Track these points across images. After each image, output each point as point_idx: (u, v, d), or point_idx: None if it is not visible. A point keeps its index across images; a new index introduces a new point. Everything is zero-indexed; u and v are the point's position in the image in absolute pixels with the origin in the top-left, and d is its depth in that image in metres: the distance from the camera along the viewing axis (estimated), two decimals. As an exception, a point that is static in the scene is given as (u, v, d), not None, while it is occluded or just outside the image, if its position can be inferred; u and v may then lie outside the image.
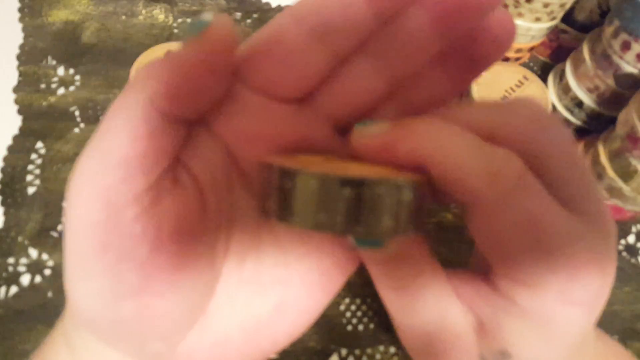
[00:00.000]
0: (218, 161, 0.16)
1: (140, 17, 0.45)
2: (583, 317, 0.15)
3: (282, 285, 0.18)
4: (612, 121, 0.35)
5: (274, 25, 0.15)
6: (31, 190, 0.36)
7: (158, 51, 0.33)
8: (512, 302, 0.15)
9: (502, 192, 0.14)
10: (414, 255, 0.16)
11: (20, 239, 0.34)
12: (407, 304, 0.17)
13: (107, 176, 0.14)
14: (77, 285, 0.15)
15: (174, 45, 0.34)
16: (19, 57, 0.42)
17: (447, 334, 0.16)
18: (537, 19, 0.40)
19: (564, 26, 0.44)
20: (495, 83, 0.38)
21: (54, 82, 0.41)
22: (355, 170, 0.14)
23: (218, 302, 0.17)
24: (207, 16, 0.13)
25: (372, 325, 0.34)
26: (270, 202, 0.14)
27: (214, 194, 0.16)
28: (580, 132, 0.40)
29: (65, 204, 0.15)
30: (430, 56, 0.16)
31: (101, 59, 0.42)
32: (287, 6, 0.44)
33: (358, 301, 0.34)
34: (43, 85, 0.40)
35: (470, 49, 0.16)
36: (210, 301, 0.17)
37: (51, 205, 0.35)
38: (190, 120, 0.15)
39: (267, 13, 0.48)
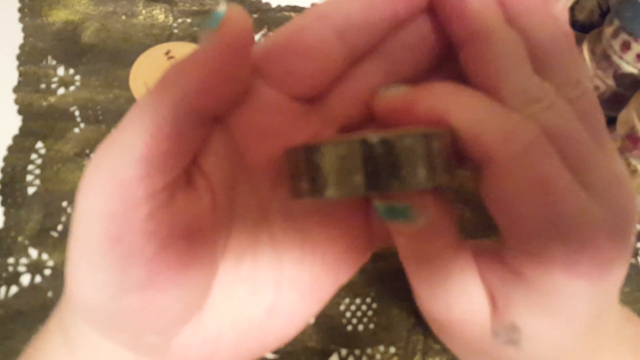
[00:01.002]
0: (228, 159, 0.17)
1: (140, 17, 0.45)
2: (590, 290, 0.15)
3: (275, 288, 0.18)
4: (612, 121, 0.35)
5: (295, 21, 0.15)
6: (31, 190, 0.36)
7: (158, 51, 0.33)
8: (520, 274, 0.15)
9: (516, 152, 0.14)
10: (442, 228, 0.16)
11: (20, 239, 0.34)
12: (430, 276, 0.17)
13: (126, 171, 0.14)
14: (81, 275, 0.15)
15: (174, 45, 0.34)
16: (19, 57, 0.42)
17: (466, 306, 0.16)
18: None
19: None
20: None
21: (54, 82, 0.41)
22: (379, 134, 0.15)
23: (213, 299, 0.17)
24: (222, 7, 0.14)
25: (372, 325, 0.34)
26: (301, 183, 0.15)
27: (224, 193, 0.17)
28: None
29: (76, 193, 0.15)
30: (438, 60, 0.16)
31: (101, 59, 0.42)
32: (287, 6, 0.44)
33: (358, 301, 0.34)
34: (43, 86, 0.40)
35: None
36: (206, 298, 0.17)
37: (51, 205, 0.35)
38: (217, 117, 0.16)
39: (267, 13, 0.48)
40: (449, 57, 0.16)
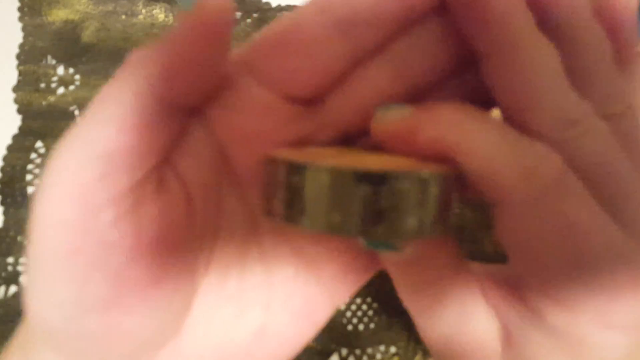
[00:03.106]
0: (210, 162, 0.15)
1: (140, 17, 0.45)
2: (624, 342, 0.13)
3: (264, 308, 0.16)
4: None
5: (294, 14, 0.14)
6: (31, 189, 0.36)
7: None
8: (541, 316, 0.14)
9: (538, 192, 0.12)
10: (436, 258, 0.15)
11: (19, 238, 0.34)
12: (426, 306, 0.15)
13: (85, 171, 0.12)
14: (38, 293, 0.13)
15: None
16: (18, 57, 0.42)
17: (469, 338, 0.15)
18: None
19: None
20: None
21: (53, 82, 0.40)
22: (373, 162, 0.13)
23: (194, 321, 0.15)
24: None
25: (372, 325, 0.34)
26: (275, 201, 0.13)
27: (203, 200, 0.15)
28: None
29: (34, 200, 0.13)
30: (452, 66, 0.15)
31: (101, 58, 0.42)
32: (287, 6, 0.43)
33: (358, 301, 0.34)
34: (43, 85, 0.40)
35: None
36: (185, 320, 0.15)
37: (51, 205, 0.35)
38: (187, 109, 0.14)
39: (267, 13, 0.48)
40: (468, 64, 0.14)
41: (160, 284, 0.14)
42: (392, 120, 0.14)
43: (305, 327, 0.17)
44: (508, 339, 0.14)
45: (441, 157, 0.13)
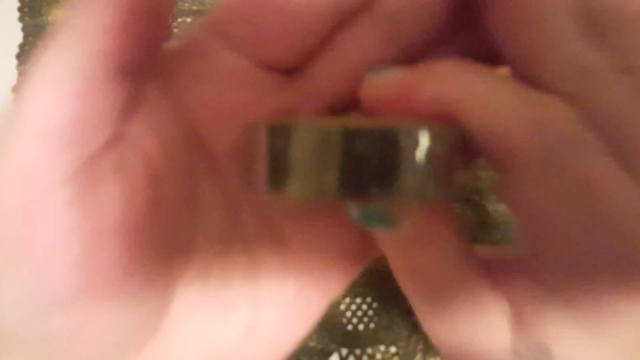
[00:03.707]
0: (179, 143, 0.13)
1: (140, 17, 0.45)
2: None
3: (252, 305, 0.15)
4: None
5: None
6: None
7: (158, 50, 0.33)
8: (556, 291, 0.13)
9: (549, 146, 0.11)
10: (436, 235, 0.13)
11: (19, 238, 0.34)
12: (428, 293, 0.14)
13: (26, 148, 0.11)
14: None
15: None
16: (18, 57, 0.42)
17: (477, 325, 0.14)
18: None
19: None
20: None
21: (53, 82, 0.40)
22: (365, 124, 0.12)
23: (173, 323, 0.14)
24: None
25: (372, 325, 0.34)
26: (258, 170, 0.12)
27: (173, 186, 0.13)
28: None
29: None
30: (446, 25, 0.13)
31: (101, 58, 0.42)
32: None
33: (358, 300, 0.34)
34: (43, 85, 0.40)
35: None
36: (163, 322, 0.14)
37: (51, 205, 0.35)
38: (137, 72, 0.12)
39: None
40: (467, 23, 0.14)
41: (131, 276, 0.12)
42: (385, 82, 0.12)
43: (298, 323, 0.15)
44: (520, 322, 0.13)
45: (442, 119, 0.12)
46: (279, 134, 0.11)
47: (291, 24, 0.12)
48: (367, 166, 0.11)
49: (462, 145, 0.12)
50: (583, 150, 0.11)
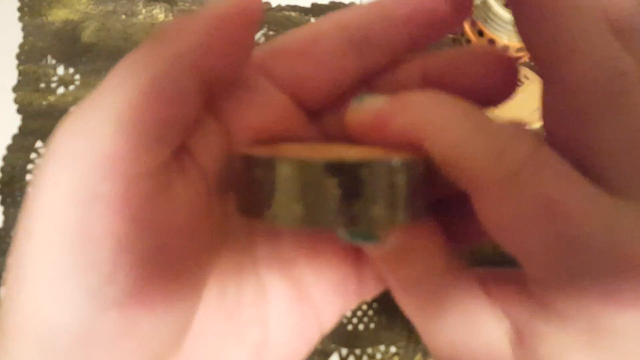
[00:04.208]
0: (220, 159, 0.14)
1: (140, 17, 0.45)
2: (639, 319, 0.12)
3: (261, 325, 0.15)
4: None
5: (313, 26, 0.15)
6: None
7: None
8: (550, 308, 0.13)
9: (510, 172, 0.11)
10: (422, 248, 0.14)
11: (20, 238, 0.34)
12: (422, 307, 0.14)
13: (115, 137, 0.11)
14: (40, 289, 0.11)
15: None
16: (18, 57, 0.42)
17: (476, 342, 0.14)
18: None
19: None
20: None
21: (53, 82, 0.40)
22: (341, 153, 0.12)
23: (193, 336, 0.14)
24: None
25: (372, 325, 0.34)
26: (244, 197, 0.12)
27: (216, 198, 0.14)
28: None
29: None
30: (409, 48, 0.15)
31: (101, 58, 0.42)
32: (287, 6, 0.43)
33: (358, 301, 0.34)
34: (43, 85, 0.40)
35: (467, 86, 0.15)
36: (187, 332, 0.14)
37: (51, 205, 0.35)
38: (210, 92, 0.13)
39: (267, 12, 0.48)
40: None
41: (180, 278, 0.12)
42: (365, 110, 0.13)
43: (304, 342, 0.16)
44: (519, 338, 0.13)
45: (414, 147, 0.13)
46: (259, 166, 0.12)
47: (324, 73, 0.14)
48: (339, 198, 0.11)
49: (430, 172, 0.13)
50: (543, 171, 0.12)
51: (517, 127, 0.12)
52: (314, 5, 0.46)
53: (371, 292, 0.17)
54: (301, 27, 0.15)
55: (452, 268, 0.14)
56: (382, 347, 0.33)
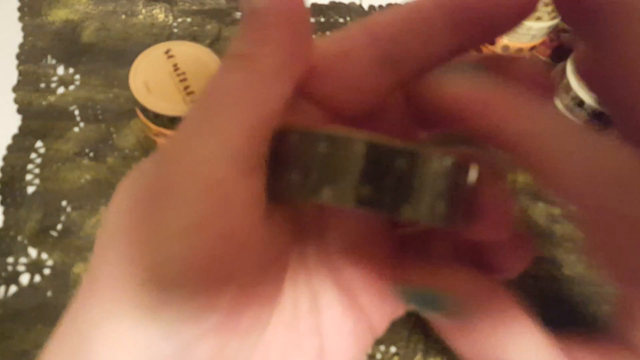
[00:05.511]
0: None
1: (140, 17, 0.45)
2: None
3: (318, 334, 0.15)
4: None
5: (346, 38, 0.13)
6: (31, 189, 0.36)
7: (158, 50, 0.33)
8: None
9: (614, 196, 0.10)
10: (494, 318, 0.13)
11: (19, 238, 0.34)
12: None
13: (219, 167, 0.11)
14: (142, 313, 0.11)
15: (173, 45, 0.34)
16: (18, 57, 0.42)
17: None
18: (538, 18, 0.40)
19: (564, 25, 0.44)
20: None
21: (53, 82, 0.40)
22: (401, 143, 0.12)
23: (259, 351, 0.14)
24: None
25: (372, 325, 0.34)
26: (291, 175, 0.12)
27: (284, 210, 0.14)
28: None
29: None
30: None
31: (101, 58, 0.42)
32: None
33: (358, 301, 0.34)
34: (43, 85, 0.40)
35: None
36: (258, 348, 0.14)
37: (50, 205, 0.35)
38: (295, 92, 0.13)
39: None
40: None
41: (261, 300, 0.12)
42: (463, 85, 0.12)
43: (360, 348, 0.16)
44: None
45: (494, 142, 0.12)
46: (319, 140, 0.12)
47: (357, 89, 0.14)
48: (400, 185, 0.11)
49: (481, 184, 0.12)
50: None
51: (617, 140, 0.11)
52: (314, 5, 0.46)
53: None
54: (331, 37, 0.14)
55: (527, 328, 0.13)
56: (382, 347, 0.33)
